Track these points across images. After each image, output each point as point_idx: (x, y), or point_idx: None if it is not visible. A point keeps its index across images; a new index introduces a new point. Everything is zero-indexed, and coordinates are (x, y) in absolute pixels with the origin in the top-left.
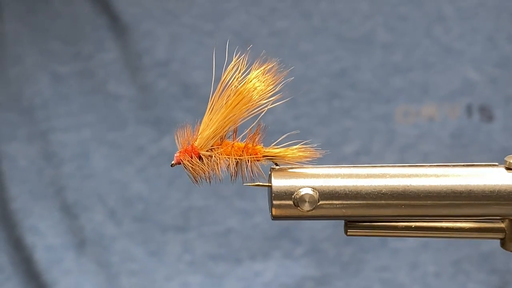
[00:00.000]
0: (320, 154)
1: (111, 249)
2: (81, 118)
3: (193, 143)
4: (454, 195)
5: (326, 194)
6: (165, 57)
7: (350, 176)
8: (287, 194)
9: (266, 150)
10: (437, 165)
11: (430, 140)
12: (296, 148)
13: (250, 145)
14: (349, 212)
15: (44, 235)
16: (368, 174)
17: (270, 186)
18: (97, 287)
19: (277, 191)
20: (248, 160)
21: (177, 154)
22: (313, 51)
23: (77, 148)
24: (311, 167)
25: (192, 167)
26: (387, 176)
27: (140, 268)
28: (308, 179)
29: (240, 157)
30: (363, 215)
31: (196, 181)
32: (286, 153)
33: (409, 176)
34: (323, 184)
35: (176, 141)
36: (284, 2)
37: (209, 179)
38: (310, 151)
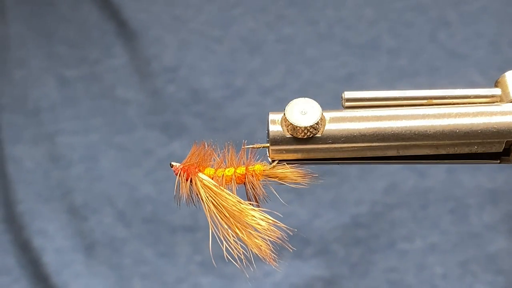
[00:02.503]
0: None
1: (121, 251)
2: (89, 122)
3: (198, 172)
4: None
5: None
6: (174, 63)
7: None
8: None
9: (267, 171)
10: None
11: None
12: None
13: (250, 170)
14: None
15: (53, 238)
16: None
17: (268, 132)
18: None
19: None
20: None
21: (179, 167)
22: (320, 57)
23: (85, 150)
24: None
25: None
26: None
27: (151, 270)
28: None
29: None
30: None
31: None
32: (287, 173)
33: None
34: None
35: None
36: (291, 9)
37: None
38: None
